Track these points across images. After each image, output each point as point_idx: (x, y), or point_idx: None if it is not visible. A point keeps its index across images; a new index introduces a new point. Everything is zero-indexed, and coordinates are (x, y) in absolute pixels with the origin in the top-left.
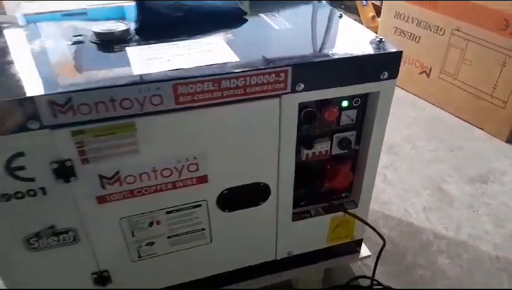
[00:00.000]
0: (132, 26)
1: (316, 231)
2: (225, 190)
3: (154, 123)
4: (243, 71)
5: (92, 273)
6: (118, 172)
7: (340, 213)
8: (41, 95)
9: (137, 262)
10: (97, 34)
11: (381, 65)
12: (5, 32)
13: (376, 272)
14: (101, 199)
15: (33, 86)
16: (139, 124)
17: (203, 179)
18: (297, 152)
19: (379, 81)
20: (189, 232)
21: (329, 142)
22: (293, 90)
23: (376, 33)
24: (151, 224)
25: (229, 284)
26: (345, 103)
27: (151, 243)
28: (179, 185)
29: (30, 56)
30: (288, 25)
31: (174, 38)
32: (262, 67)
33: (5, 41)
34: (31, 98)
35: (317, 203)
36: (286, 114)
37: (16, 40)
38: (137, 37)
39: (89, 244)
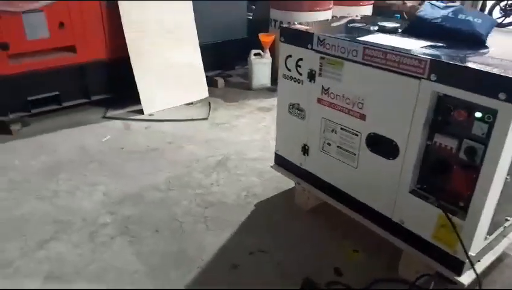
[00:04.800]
0: (402, 27)
1: (424, 216)
2: (372, 133)
3: (349, 66)
4: (399, 51)
5: (302, 144)
6: (329, 88)
7: (450, 216)
8: (315, 33)
9: (320, 152)
10: (379, 26)
11: (500, 85)
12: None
13: None
14: (319, 100)
15: (315, 30)
16: (344, 64)
17: (363, 117)
18: (431, 137)
19: (497, 100)
20: (348, 151)
21: (457, 142)
22: (428, 78)
23: None
24: (332, 131)
25: (356, 211)
26: (478, 114)
27: (329, 144)
28: (350, 113)
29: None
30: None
31: (410, 37)
32: (414, 54)
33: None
34: (311, 33)
35: (435, 196)
36: (422, 94)
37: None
38: (399, 32)
39: (308, 125)
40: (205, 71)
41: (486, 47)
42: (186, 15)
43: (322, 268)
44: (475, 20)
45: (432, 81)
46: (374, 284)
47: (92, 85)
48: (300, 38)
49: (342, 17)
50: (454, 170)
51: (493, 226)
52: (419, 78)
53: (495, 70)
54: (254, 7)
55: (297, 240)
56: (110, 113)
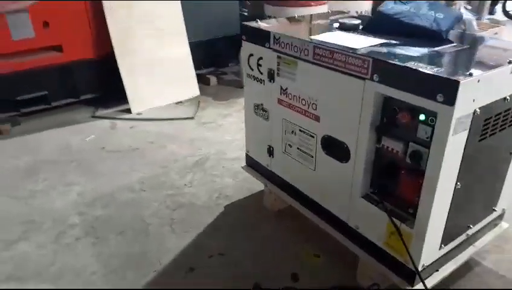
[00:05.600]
0: (363, 24)
1: (376, 222)
2: (326, 135)
3: (302, 66)
4: (345, 50)
5: (268, 146)
6: (287, 88)
7: (399, 223)
8: (271, 31)
9: (283, 154)
10: (340, 23)
11: (437, 86)
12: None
13: None
14: (279, 101)
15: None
16: (298, 64)
17: (317, 118)
18: (379, 140)
19: (435, 102)
20: (306, 153)
21: (403, 145)
22: (371, 79)
23: None
24: (292, 132)
25: (316, 214)
26: (422, 117)
27: (290, 146)
28: (306, 115)
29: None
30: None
31: (370, 35)
32: (358, 53)
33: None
34: (268, 31)
35: (384, 202)
36: (366, 95)
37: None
38: (359, 29)
39: (272, 126)
40: (198, 69)
41: (450, 42)
42: (174, 11)
43: (282, 272)
44: (437, 15)
45: (375, 81)
46: None
47: (80, 84)
48: (259, 37)
49: (324, 14)
50: (401, 175)
51: (450, 235)
52: (364, 79)
53: (433, 71)
54: (249, 3)
55: (261, 243)
56: (99, 112)
